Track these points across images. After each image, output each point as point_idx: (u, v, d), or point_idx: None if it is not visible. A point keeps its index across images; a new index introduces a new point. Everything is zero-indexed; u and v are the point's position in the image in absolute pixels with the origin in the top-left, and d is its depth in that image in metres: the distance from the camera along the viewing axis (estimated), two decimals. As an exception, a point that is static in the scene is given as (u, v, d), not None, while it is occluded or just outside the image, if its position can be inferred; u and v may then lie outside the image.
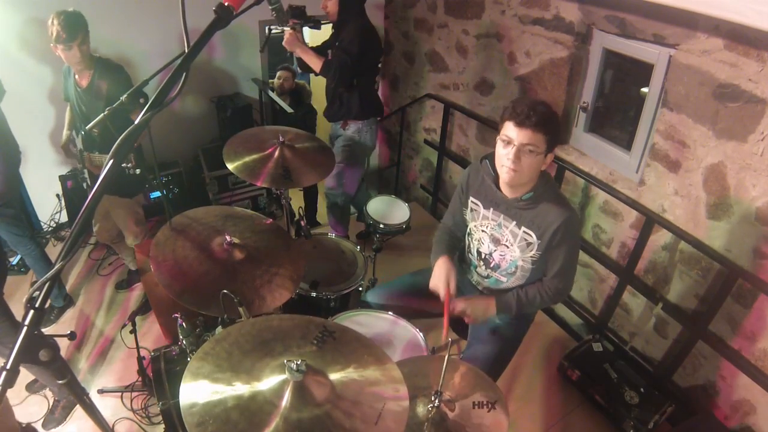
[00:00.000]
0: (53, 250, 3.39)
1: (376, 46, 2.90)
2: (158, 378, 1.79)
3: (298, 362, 1.06)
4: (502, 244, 1.78)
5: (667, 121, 2.31)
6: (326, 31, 2.99)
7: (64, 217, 3.59)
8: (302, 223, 2.35)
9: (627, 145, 2.68)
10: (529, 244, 1.71)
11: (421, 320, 1.90)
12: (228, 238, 1.68)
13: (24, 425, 1.83)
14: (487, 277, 1.89)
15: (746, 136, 2.01)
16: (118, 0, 3.12)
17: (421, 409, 1.34)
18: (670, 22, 2.17)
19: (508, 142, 1.55)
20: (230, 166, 2.07)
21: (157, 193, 3.50)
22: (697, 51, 2.11)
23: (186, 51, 0.93)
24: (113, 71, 2.40)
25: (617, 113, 2.84)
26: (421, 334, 1.79)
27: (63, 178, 3.37)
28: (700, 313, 2.35)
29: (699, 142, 2.20)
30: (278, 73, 4.07)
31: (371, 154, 3.35)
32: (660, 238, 2.49)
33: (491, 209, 1.76)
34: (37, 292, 0.79)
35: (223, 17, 0.98)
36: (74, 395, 0.98)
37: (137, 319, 2.84)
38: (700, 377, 2.44)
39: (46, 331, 2.01)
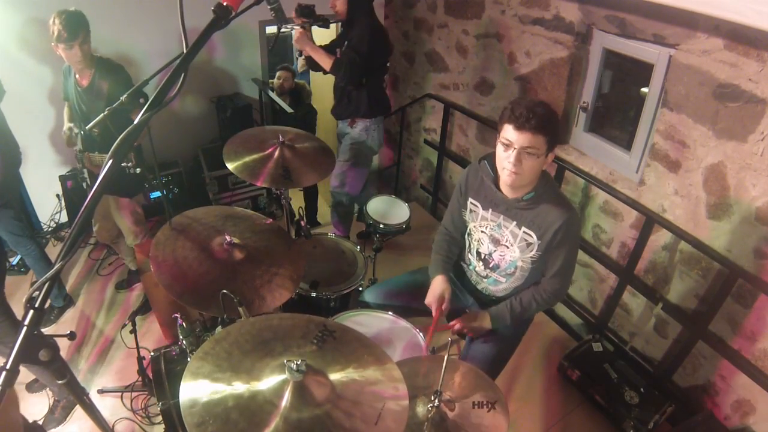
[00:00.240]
0: (53, 250, 3.39)
1: (385, 45, 2.91)
2: (158, 378, 1.78)
3: (298, 362, 1.06)
4: (501, 245, 1.78)
5: (667, 121, 2.31)
6: (328, 31, 2.99)
7: (64, 217, 3.59)
8: (302, 223, 2.35)
9: (627, 145, 2.68)
10: (529, 244, 1.71)
11: (421, 320, 1.90)
12: (228, 238, 1.68)
13: (31, 423, 1.83)
14: (486, 277, 1.89)
15: (746, 136, 2.01)
16: (118, 0, 3.12)
17: (421, 409, 1.34)
18: (670, 22, 2.17)
19: (508, 145, 1.55)
20: (230, 166, 2.07)
21: (157, 193, 3.49)
22: (697, 51, 2.11)
23: (185, 51, 0.93)
24: (114, 71, 2.41)
25: (617, 113, 2.84)
26: (421, 334, 1.79)
27: (63, 178, 3.37)
28: (700, 313, 2.35)
29: (699, 142, 2.20)
30: (278, 74, 4.07)
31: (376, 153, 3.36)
32: (660, 238, 2.49)
33: (490, 210, 1.76)
34: (37, 292, 0.79)
35: (222, 17, 0.98)
36: (74, 395, 0.98)
37: (137, 319, 2.85)
38: (700, 377, 2.44)
39: (46, 331, 2.01)
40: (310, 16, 2.68)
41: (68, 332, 0.94)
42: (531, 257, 1.74)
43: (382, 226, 2.66)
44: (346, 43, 2.81)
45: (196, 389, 1.04)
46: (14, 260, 3.22)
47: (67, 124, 2.44)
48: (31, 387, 2.43)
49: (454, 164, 3.90)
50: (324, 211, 4.59)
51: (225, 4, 0.98)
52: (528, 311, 1.83)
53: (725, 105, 2.06)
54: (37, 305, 0.79)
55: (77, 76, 2.40)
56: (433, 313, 1.80)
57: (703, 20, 2.03)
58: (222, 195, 3.69)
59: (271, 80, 4.13)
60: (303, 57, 2.91)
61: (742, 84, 1.98)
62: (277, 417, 1.01)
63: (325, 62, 2.75)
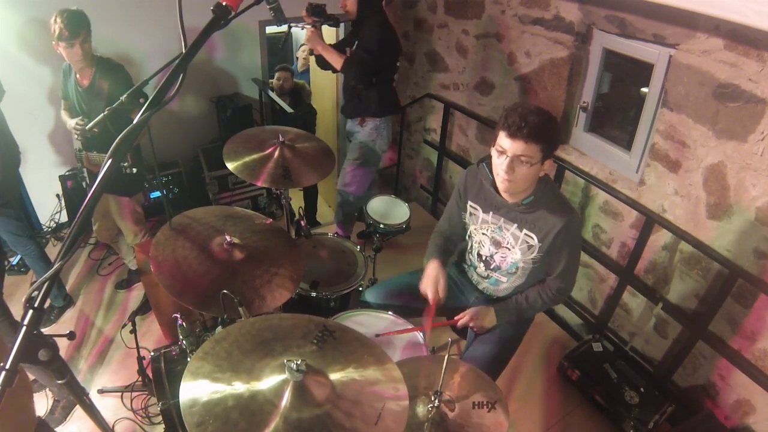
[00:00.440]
0: (53, 250, 3.38)
1: (395, 44, 2.92)
2: (158, 378, 1.78)
3: (298, 362, 1.06)
4: (503, 247, 1.78)
5: (667, 121, 2.31)
6: (329, 32, 2.99)
7: (64, 217, 3.58)
8: (302, 223, 2.35)
9: (627, 145, 2.68)
10: (530, 246, 1.71)
11: (421, 320, 1.90)
12: (228, 238, 1.68)
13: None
14: (487, 277, 1.90)
15: (746, 136, 2.01)
16: (118, 0, 3.12)
17: (421, 409, 1.34)
18: (670, 22, 2.17)
19: (502, 152, 1.54)
20: (230, 166, 2.07)
21: (157, 193, 3.50)
22: (697, 51, 2.11)
23: (184, 51, 0.93)
24: (114, 70, 2.41)
25: (617, 113, 2.84)
26: (421, 334, 1.79)
27: (63, 178, 3.36)
28: (700, 313, 2.35)
29: (699, 142, 2.20)
30: (276, 74, 4.07)
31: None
32: (660, 238, 2.49)
33: (491, 213, 1.76)
34: (37, 292, 0.79)
35: (222, 17, 0.98)
36: (74, 395, 0.98)
37: (137, 319, 2.84)
38: (700, 377, 2.44)
39: (46, 331, 2.01)
40: (321, 15, 2.70)
41: (68, 332, 0.94)
42: (532, 258, 1.74)
43: (382, 226, 2.66)
44: (356, 42, 2.82)
45: (196, 389, 1.04)
46: (14, 260, 3.22)
47: (71, 121, 2.44)
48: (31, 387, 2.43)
49: (454, 164, 3.90)
50: (324, 211, 4.59)
51: (224, 4, 0.98)
52: (533, 308, 1.83)
53: (725, 105, 2.06)
54: (36, 305, 0.79)
55: (78, 75, 2.40)
56: (430, 299, 1.78)
57: (703, 20, 2.03)
58: (222, 195, 3.69)
59: (270, 80, 4.13)
60: (313, 55, 2.92)
61: (742, 84, 1.98)
62: (277, 417, 1.01)
63: (336, 61, 2.77)
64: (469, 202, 1.82)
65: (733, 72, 1.99)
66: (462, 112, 3.61)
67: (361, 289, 2.24)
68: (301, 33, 2.91)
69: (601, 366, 2.57)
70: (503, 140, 1.53)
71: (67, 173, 3.38)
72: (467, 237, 1.91)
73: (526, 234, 1.70)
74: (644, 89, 2.50)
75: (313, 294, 2.10)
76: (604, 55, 2.68)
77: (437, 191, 4.10)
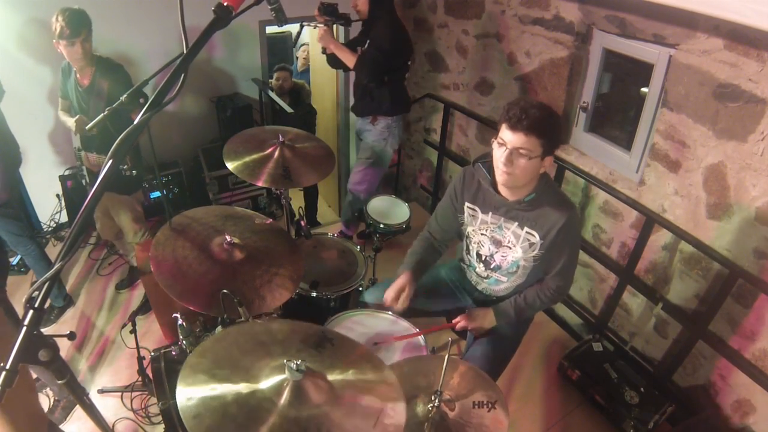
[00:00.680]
0: (53, 250, 3.38)
1: (407, 43, 2.93)
2: (158, 378, 1.79)
3: (298, 362, 1.06)
4: (504, 246, 1.78)
5: (667, 121, 2.31)
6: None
7: (64, 217, 3.58)
8: (302, 223, 2.35)
9: (627, 145, 2.68)
10: (532, 244, 1.71)
11: (422, 320, 1.90)
12: (228, 238, 1.68)
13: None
14: (487, 277, 1.89)
15: (746, 136, 2.01)
16: (119, 0, 3.12)
17: (421, 409, 1.34)
18: (670, 22, 2.17)
19: (502, 144, 1.55)
20: (230, 166, 2.07)
21: (157, 193, 3.50)
22: (697, 51, 2.11)
23: (185, 51, 0.92)
24: (114, 70, 2.41)
25: (617, 113, 2.84)
26: (420, 338, 1.79)
27: (63, 178, 3.36)
28: (700, 313, 2.35)
29: (699, 142, 2.20)
30: (275, 75, 4.07)
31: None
32: (660, 238, 2.49)
33: (490, 213, 1.75)
34: (37, 292, 0.79)
35: (223, 17, 0.98)
36: (74, 395, 0.97)
37: (137, 319, 2.84)
38: (700, 377, 2.44)
39: (46, 331, 2.01)
40: (333, 15, 2.72)
41: (68, 332, 0.94)
42: (533, 256, 1.74)
43: (382, 226, 2.66)
44: (368, 42, 2.83)
45: (195, 383, 1.04)
46: (14, 260, 3.21)
47: (70, 120, 2.44)
48: (31, 387, 2.43)
49: (455, 164, 3.89)
50: (324, 211, 4.59)
51: (225, 3, 0.98)
52: (532, 308, 1.83)
53: (725, 105, 2.06)
54: (36, 305, 0.79)
55: (78, 75, 2.40)
56: (386, 303, 1.79)
57: (703, 20, 2.03)
58: (222, 195, 3.69)
59: (270, 80, 4.13)
60: (325, 54, 2.94)
61: (742, 84, 1.98)
62: (275, 414, 1.01)
63: (349, 59, 2.78)
64: (467, 204, 1.82)
65: (733, 72, 1.99)
66: (462, 112, 3.61)
67: (361, 289, 2.24)
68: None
69: (601, 366, 2.57)
70: (504, 132, 1.54)
71: (67, 173, 3.38)
72: (464, 238, 1.91)
73: (527, 232, 1.70)
74: (644, 89, 2.50)
75: (313, 294, 2.10)
76: (604, 55, 2.68)
77: (437, 191, 4.10)
